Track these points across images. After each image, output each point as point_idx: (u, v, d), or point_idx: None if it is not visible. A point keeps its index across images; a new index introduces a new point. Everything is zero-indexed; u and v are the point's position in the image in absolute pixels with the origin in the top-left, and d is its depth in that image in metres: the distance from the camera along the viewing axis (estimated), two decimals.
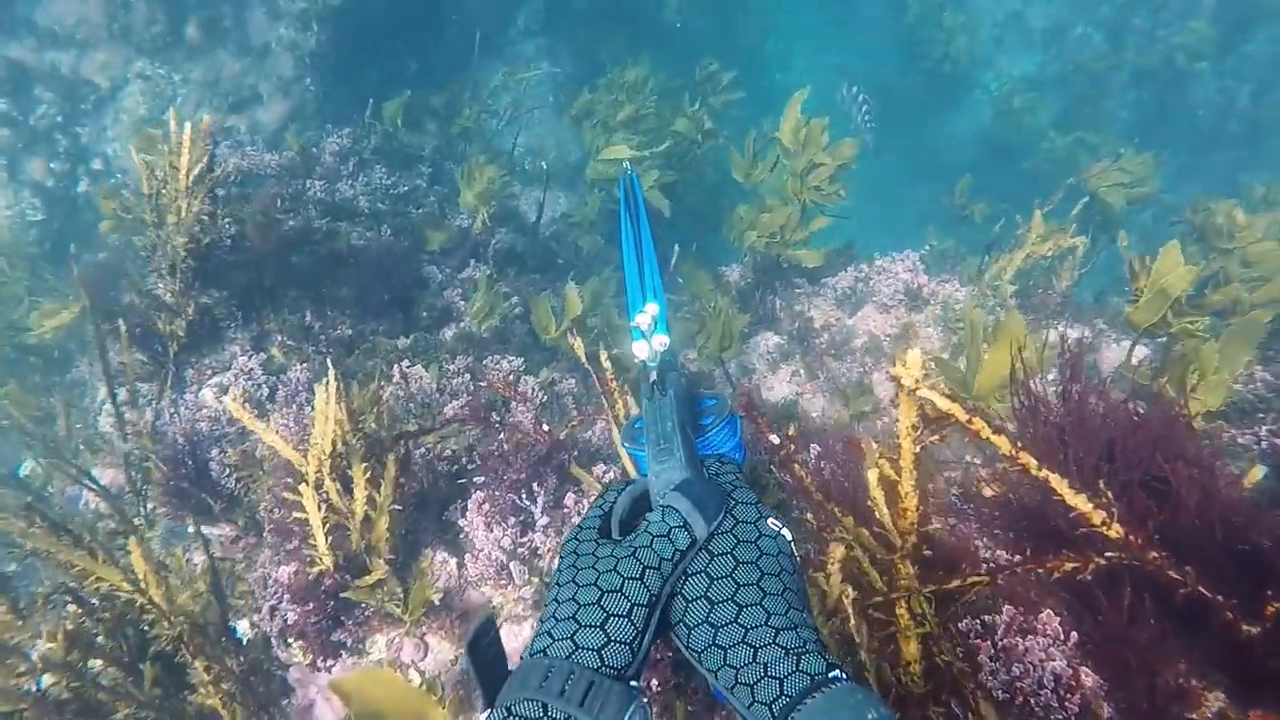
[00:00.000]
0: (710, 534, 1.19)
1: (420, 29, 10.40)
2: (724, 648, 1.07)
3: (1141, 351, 5.10)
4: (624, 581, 1.10)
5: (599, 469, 3.62)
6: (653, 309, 1.49)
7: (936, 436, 2.26)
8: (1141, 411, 2.70)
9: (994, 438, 2.12)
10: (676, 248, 7.92)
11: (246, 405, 4.68)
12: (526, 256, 7.45)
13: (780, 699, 0.99)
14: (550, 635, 1.07)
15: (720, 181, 8.23)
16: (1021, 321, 3.88)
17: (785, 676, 1.01)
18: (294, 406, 4.62)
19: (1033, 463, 2.11)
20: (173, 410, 4.77)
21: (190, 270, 4.81)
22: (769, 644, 1.05)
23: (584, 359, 3.45)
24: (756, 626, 1.07)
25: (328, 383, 3.13)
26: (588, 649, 1.03)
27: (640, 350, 1.42)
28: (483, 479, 3.48)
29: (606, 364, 3.32)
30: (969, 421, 2.22)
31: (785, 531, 1.24)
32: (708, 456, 1.41)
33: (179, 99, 8.75)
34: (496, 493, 3.43)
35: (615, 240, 6.78)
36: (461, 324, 6.21)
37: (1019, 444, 2.11)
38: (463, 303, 6.37)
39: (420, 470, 4.05)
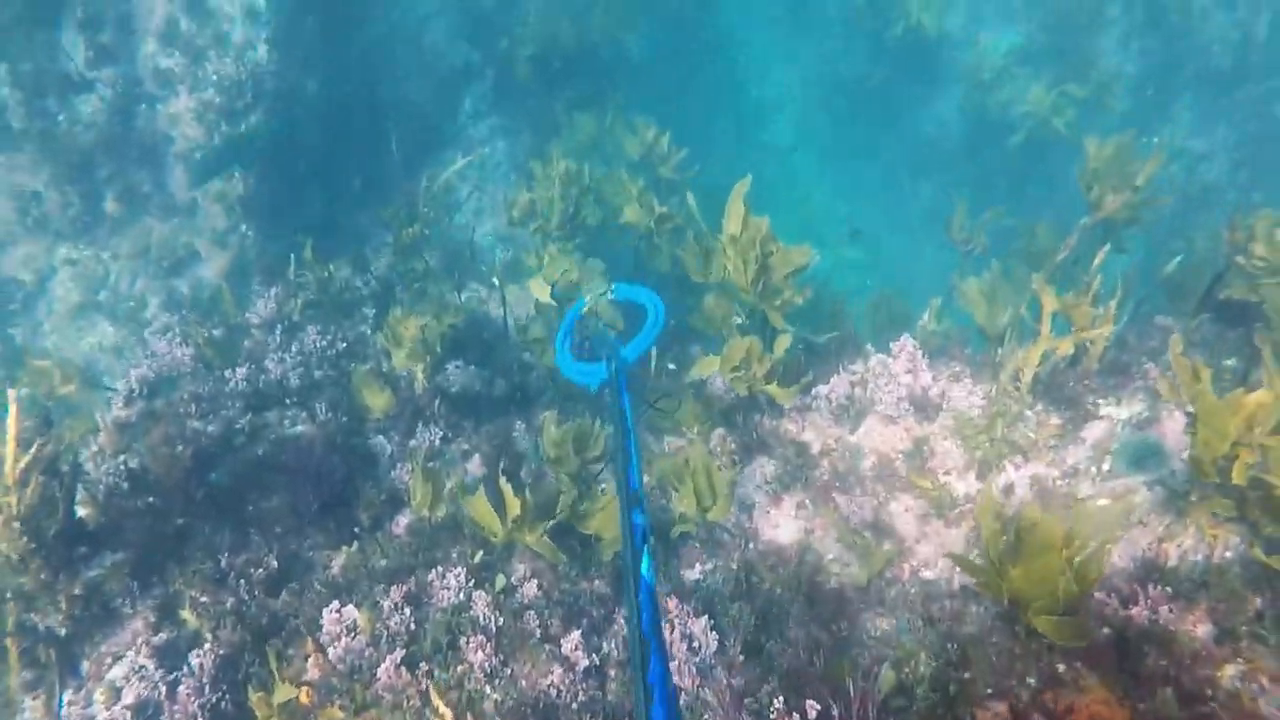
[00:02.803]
0: None
1: (359, 142, 9.77)
2: None
3: None
4: None
5: None
6: None
7: None
8: None
9: None
10: (654, 355, 7.08)
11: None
12: (489, 394, 6.65)
13: None
14: None
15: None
16: (1057, 529, 2.93)
17: None
18: (201, 703, 3.89)
19: None
20: None
21: (57, 553, 4.12)
22: None
23: None
24: None
25: None
26: None
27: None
28: None
29: None
30: None
31: None
32: None
33: (112, 276, 8.23)
34: None
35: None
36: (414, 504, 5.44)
37: None
38: None
39: None
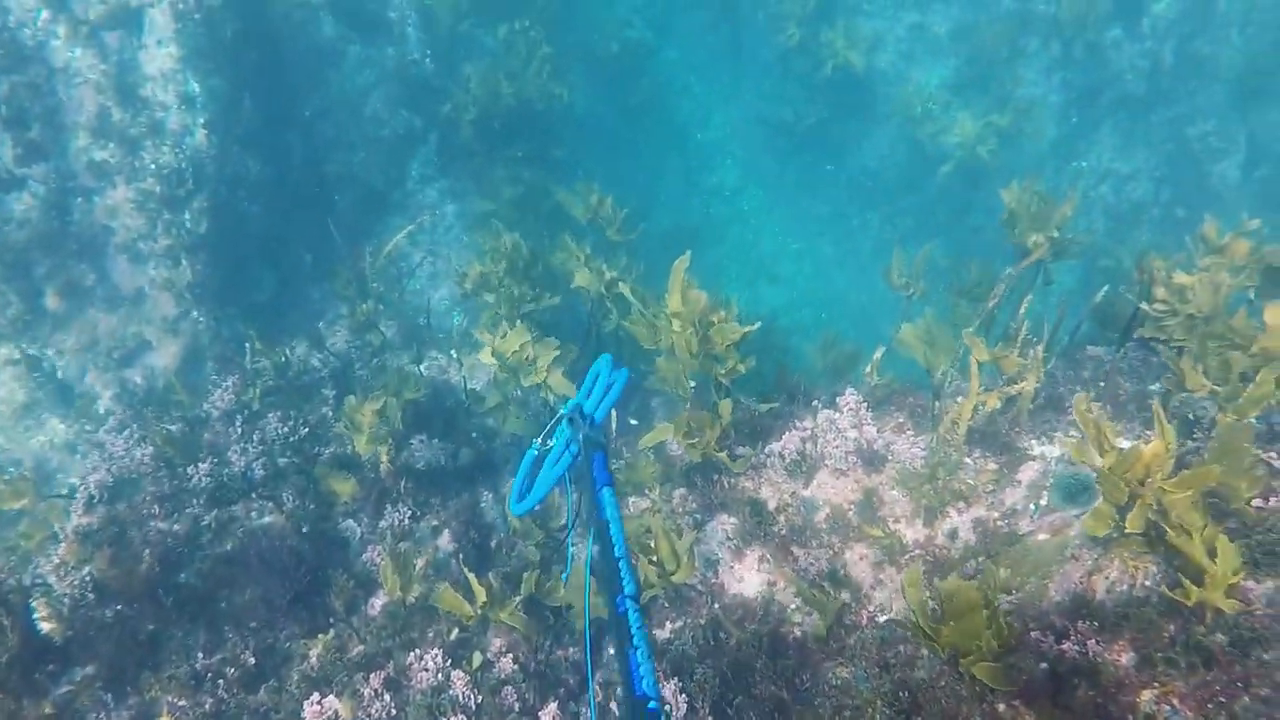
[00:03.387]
0: None
1: (307, 217, 9.87)
2: None
3: None
4: None
5: None
6: None
7: None
8: None
9: None
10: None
11: None
12: (454, 465, 6.77)
13: None
14: None
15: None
16: (974, 593, 3.18)
17: None
18: None
19: None
20: None
21: (16, 679, 4.13)
22: None
23: None
24: None
25: None
26: None
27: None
28: None
29: None
30: None
31: None
32: None
33: (58, 372, 8.17)
34: None
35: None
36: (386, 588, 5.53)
37: None
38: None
39: None
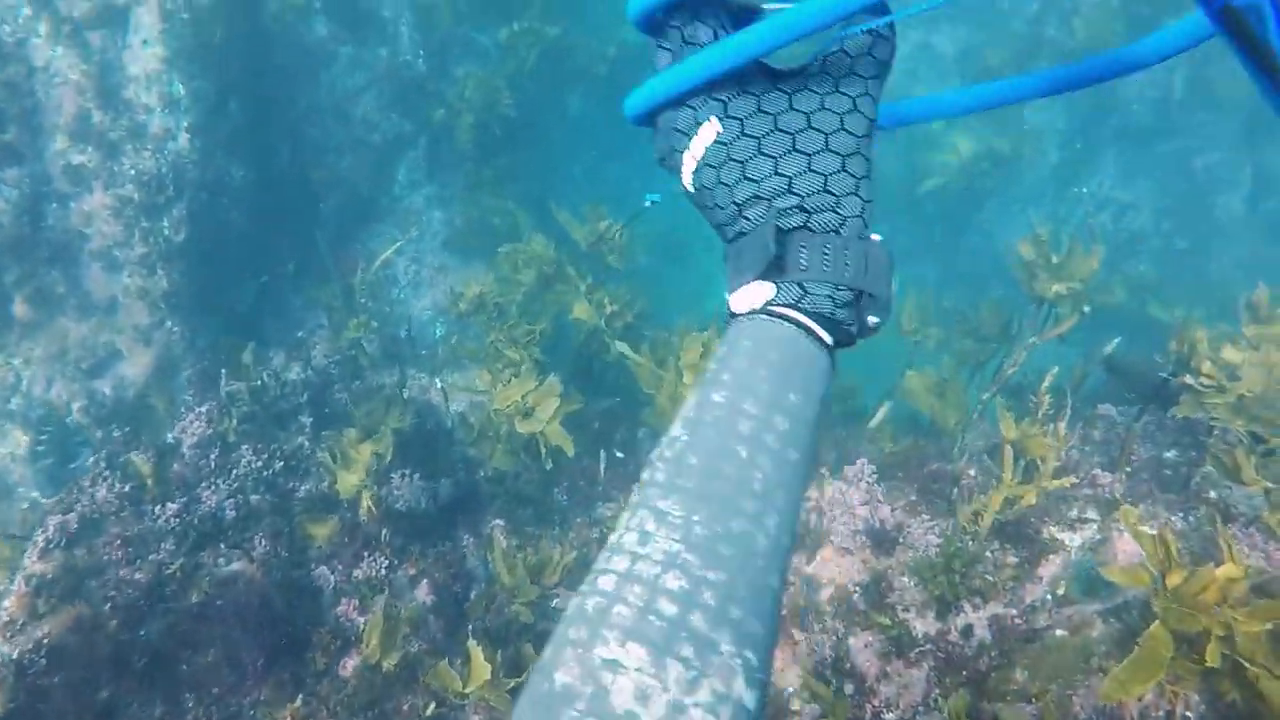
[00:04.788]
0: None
1: (290, 224, 9.45)
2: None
3: None
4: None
5: None
6: None
7: None
8: None
9: None
10: (603, 455, 6.96)
11: None
12: (435, 504, 6.43)
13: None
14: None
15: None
16: None
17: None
18: None
19: None
20: None
21: None
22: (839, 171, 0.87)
23: None
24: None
25: None
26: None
27: None
28: None
29: None
30: None
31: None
32: None
33: (23, 382, 7.75)
34: None
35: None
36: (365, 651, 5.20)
37: None
38: (361, 620, 5.37)
39: None
